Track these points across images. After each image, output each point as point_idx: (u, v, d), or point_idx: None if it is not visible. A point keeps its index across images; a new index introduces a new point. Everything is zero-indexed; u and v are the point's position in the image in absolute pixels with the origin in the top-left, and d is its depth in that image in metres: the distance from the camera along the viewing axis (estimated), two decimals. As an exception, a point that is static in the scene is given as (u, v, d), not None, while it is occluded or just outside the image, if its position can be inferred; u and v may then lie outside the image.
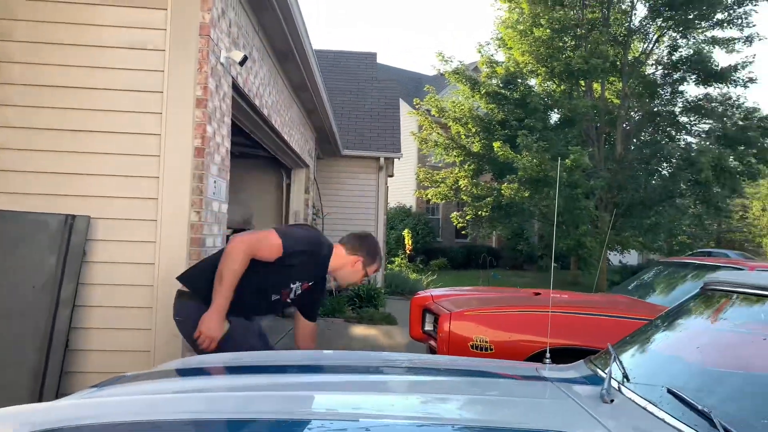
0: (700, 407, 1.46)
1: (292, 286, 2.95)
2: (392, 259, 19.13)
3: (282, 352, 2.51)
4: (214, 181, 3.96)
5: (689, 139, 15.55)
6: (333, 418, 1.44)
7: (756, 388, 1.64)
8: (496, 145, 12.58)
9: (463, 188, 14.38)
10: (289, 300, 3.02)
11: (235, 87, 4.51)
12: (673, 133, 15.31)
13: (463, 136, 14.76)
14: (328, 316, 9.68)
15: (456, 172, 15.14)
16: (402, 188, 24.35)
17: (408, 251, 19.67)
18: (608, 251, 13.27)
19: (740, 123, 13.88)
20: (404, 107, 19.88)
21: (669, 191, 13.71)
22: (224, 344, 2.72)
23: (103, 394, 1.72)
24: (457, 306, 4.25)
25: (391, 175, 13.09)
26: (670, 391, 1.63)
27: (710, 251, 22.20)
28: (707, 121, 15.04)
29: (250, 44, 4.93)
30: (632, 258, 23.62)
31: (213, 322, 2.69)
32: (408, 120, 21.57)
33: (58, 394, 3.29)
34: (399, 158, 12.78)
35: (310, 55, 6.35)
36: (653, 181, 14.42)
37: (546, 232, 15.17)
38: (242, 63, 4.12)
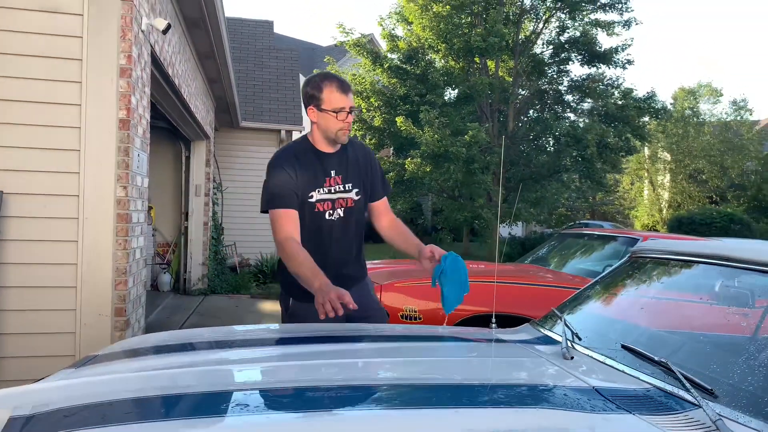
0: (656, 358, 1.67)
1: (312, 201, 2.46)
2: (291, 233, 18.98)
3: (243, 327, 2.50)
4: (138, 155, 3.80)
5: (573, 117, 16.62)
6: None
7: (699, 344, 1.88)
8: (399, 120, 12.79)
9: (366, 162, 14.56)
10: (350, 197, 2.53)
11: (153, 56, 4.31)
12: (559, 110, 16.29)
13: (364, 110, 14.85)
14: (233, 293, 9.55)
15: (357, 146, 15.24)
16: (298, 162, 24.07)
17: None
18: (502, 224, 13.99)
19: (619, 102, 15.02)
20: (300, 79, 19.61)
21: (555, 166, 14.63)
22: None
23: (82, 375, 1.67)
24: (385, 278, 4.37)
25: (292, 149, 12.93)
26: (624, 347, 1.83)
27: (587, 222, 23.97)
28: (588, 100, 16.12)
29: (164, 10, 4.71)
30: (518, 230, 25.03)
31: (317, 296, 2.12)
32: (305, 92, 21.26)
33: (-23, 382, 3.08)
34: (301, 131, 12.66)
35: (222, 24, 6.17)
36: (540, 158, 15.29)
37: (444, 205, 15.69)
38: (165, 31, 3.95)
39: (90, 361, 1.81)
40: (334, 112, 2.41)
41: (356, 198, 2.56)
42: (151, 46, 4.16)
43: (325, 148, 2.51)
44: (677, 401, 1.50)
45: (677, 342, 1.92)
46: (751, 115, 30.00)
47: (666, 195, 29.24)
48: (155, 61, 4.45)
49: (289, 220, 2.40)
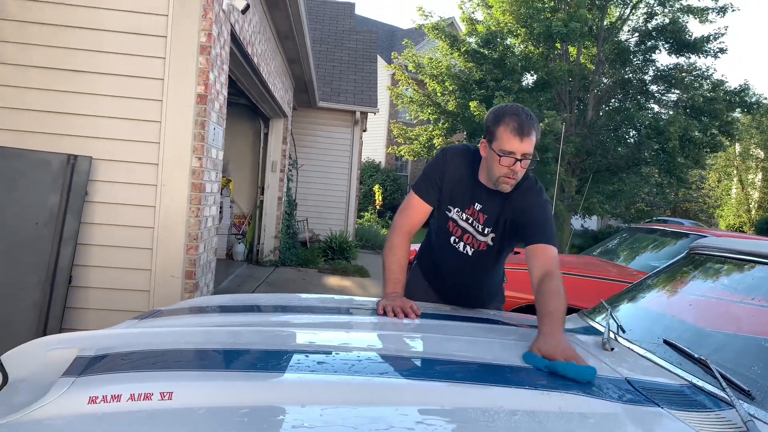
0: (696, 356, 1.66)
1: (449, 214, 2.33)
2: (362, 213, 19.29)
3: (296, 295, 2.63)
4: (214, 128, 4.00)
5: (656, 108, 15.90)
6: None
7: (744, 345, 1.84)
8: (472, 104, 12.67)
9: (437, 146, 14.51)
10: (483, 241, 2.31)
11: (233, 35, 4.50)
12: (642, 101, 15.63)
13: (439, 94, 14.77)
14: (302, 266, 9.86)
15: (430, 129, 15.22)
16: (372, 143, 24.37)
17: (378, 206, 19.85)
18: (572, 215, 13.67)
19: (707, 95, 14.24)
20: (379, 61, 19.74)
21: (635, 159, 14.10)
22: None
23: (146, 325, 1.84)
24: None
25: (365, 130, 13.12)
26: (666, 342, 1.83)
27: (666, 219, 23.03)
28: (675, 91, 15.37)
29: (246, -10, 4.88)
30: (593, 223, 24.34)
31: (384, 299, 2.20)
32: (381, 73, 21.44)
33: (62, 329, 3.38)
34: (375, 113, 12.78)
35: (301, 4, 6.31)
36: (619, 149, 14.77)
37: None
38: (244, 11, 4.11)
39: (154, 315, 1.98)
40: (500, 154, 2.07)
41: (491, 243, 2.32)
42: (231, 25, 4.34)
43: (486, 182, 2.23)
44: (712, 400, 1.50)
45: (722, 342, 1.89)
46: None
47: (756, 195, 27.58)
48: (235, 39, 4.64)
49: (418, 212, 2.33)
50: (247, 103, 8.35)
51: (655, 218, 20.36)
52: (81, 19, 3.59)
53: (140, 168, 3.65)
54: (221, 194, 9.29)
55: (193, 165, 3.71)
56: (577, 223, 19.76)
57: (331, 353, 1.57)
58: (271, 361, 1.48)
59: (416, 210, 2.33)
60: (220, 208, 9.06)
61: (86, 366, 1.37)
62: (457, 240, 2.35)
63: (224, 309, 2.24)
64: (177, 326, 1.79)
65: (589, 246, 13.69)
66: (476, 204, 2.27)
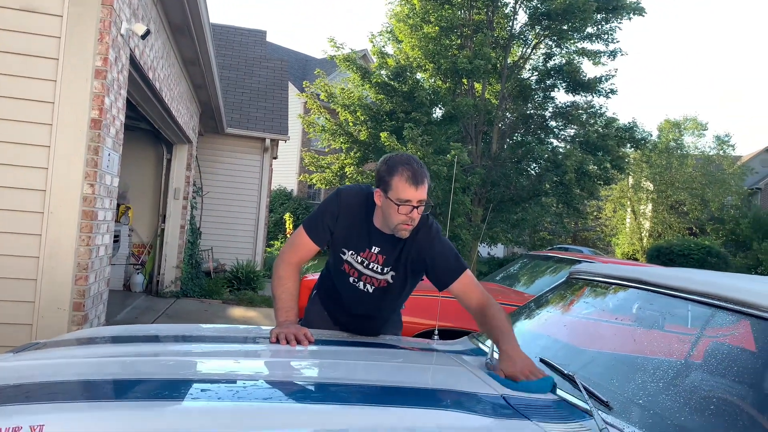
0: (566, 372, 1.78)
1: (343, 257, 2.37)
2: (272, 242, 19.05)
3: (190, 325, 2.57)
4: (109, 154, 3.87)
5: (555, 142, 16.89)
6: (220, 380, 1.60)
7: (609, 361, 1.99)
8: (383, 135, 12.93)
9: (349, 175, 14.66)
10: (383, 278, 2.36)
11: (132, 59, 4.40)
12: (542, 135, 16.56)
13: (351, 124, 14.99)
14: (205, 297, 9.58)
15: (342, 158, 15.36)
16: (284, 171, 24.24)
17: (289, 234, 19.65)
18: (479, 243, 14.15)
19: (600, 131, 15.30)
20: (291, 89, 19.77)
21: (536, 190, 14.85)
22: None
23: (19, 358, 1.75)
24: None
25: (276, 157, 13.05)
26: (542, 360, 1.95)
27: (567, 247, 24.22)
28: (572, 127, 16.40)
29: (147, 16, 4.81)
30: (499, 250, 25.24)
31: (276, 327, 2.21)
32: (293, 102, 21.49)
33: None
34: (286, 141, 12.75)
35: (207, 31, 6.26)
36: (522, 180, 15.51)
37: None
38: (144, 37, 4.04)
39: (32, 347, 1.88)
40: (397, 203, 2.14)
41: (391, 281, 2.38)
42: (131, 50, 4.25)
43: (381, 227, 2.30)
44: (576, 412, 1.62)
45: (591, 358, 2.04)
46: (734, 150, 30.59)
47: (647, 224, 29.60)
48: (135, 64, 4.54)
49: (306, 250, 2.37)
50: (149, 127, 8.12)
51: (556, 246, 21.38)
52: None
53: (24, 195, 3.46)
54: (120, 222, 8.94)
55: (84, 192, 3.57)
56: (483, 250, 20.43)
57: (216, 381, 1.57)
58: (152, 390, 1.46)
59: (304, 248, 2.37)
60: (117, 236, 8.70)
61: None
62: (355, 280, 2.40)
63: (114, 340, 2.16)
64: (53, 358, 1.72)
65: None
66: (374, 247, 2.32)
